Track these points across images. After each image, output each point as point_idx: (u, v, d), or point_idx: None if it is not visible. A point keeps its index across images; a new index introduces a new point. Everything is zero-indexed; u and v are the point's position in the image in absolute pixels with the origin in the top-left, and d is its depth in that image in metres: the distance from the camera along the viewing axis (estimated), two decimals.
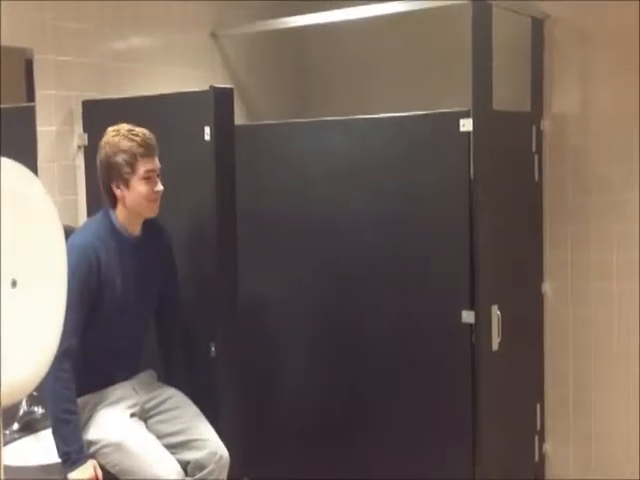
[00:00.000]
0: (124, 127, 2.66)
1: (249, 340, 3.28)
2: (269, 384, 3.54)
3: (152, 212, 2.70)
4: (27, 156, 2.89)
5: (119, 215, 2.69)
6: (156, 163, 2.67)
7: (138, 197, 2.64)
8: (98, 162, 2.68)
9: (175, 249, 2.90)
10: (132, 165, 2.62)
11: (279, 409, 3.53)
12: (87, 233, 2.66)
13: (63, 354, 2.33)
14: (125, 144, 2.62)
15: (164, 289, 2.85)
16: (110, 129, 2.68)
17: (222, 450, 2.68)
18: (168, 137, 2.87)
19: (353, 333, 3.34)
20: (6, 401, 1.61)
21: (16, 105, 2.94)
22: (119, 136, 2.64)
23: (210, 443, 2.67)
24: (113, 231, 2.68)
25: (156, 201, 2.68)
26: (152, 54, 3.51)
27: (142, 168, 2.62)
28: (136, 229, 2.73)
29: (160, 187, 2.67)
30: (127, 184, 2.63)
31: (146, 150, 2.63)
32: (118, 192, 2.65)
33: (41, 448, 2.72)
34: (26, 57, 2.99)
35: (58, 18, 3.08)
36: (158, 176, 2.68)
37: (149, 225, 2.77)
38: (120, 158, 2.61)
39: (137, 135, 2.64)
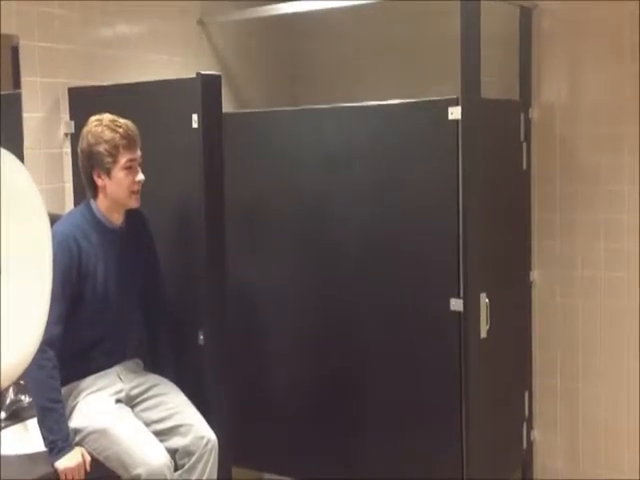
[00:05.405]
0: (107, 117, 2.65)
1: (239, 328, 3.28)
2: (259, 372, 3.53)
3: (134, 203, 2.69)
4: (13, 143, 2.86)
5: (100, 205, 2.68)
6: (137, 153, 2.66)
7: (119, 187, 2.63)
8: (79, 151, 2.67)
9: (162, 238, 2.89)
10: (114, 156, 2.61)
11: (268, 397, 3.53)
12: (67, 223, 2.66)
13: (46, 343, 2.31)
14: (108, 134, 2.61)
15: (148, 278, 2.84)
16: (92, 118, 2.67)
17: (209, 434, 2.67)
18: (155, 125, 2.86)
19: (342, 321, 3.34)
20: None
21: (2, 92, 2.91)
22: (102, 126, 2.62)
23: (195, 427, 2.66)
24: (95, 221, 2.67)
25: (138, 192, 2.67)
26: (139, 41, 3.48)
27: (123, 158, 2.61)
28: (118, 219, 2.72)
29: (141, 176, 2.66)
30: (109, 174, 2.62)
31: (128, 142, 2.63)
32: (99, 181, 2.64)
33: (28, 437, 2.71)
34: (12, 44, 2.96)
35: (44, 4, 3.06)
36: (139, 165, 2.67)
37: (132, 215, 2.77)
38: (102, 148, 2.60)
39: (120, 126, 2.63)
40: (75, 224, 2.65)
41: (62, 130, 3.16)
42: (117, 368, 2.73)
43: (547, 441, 3.74)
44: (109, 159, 2.61)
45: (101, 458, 2.57)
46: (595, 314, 3.60)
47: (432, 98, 3.06)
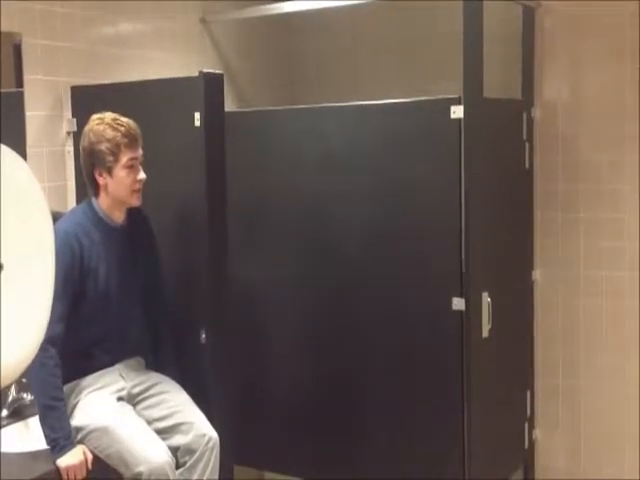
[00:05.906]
0: (109, 116, 2.65)
1: (240, 327, 3.28)
2: (260, 371, 3.53)
3: (136, 202, 2.69)
4: (16, 141, 2.85)
5: (102, 203, 2.68)
6: (139, 152, 2.66)
7: (121, 185, 2.64)
8: (81, 149, 2.68)
9: (164, 236, 2.88)
10: (116, 154, 2.61)
11: (269, 395, 3.53)
12: (69, 221, 2.66)
13: (48, 341, 2.31)
14: (109, 133, 2.61)
15: (150, 277, 2.84)
16: (94, 117, 2.67)
17: (210, 432, 2.67)
18: (157, 123, 2.86)
19: (343, 321, 3.34)
20: None
21: (4, 90, 2.91)
22: (103, 124, 2.63)
23: (197, 425, 2.66)
24: (96, 219, 2.68)
25: (139, 190, 2.67)
26: (141, 39, 3.49)
27: (125, 157, 2.62)
28: (120, 217, 2.72)
29: (143, 175, 2.67)
30: (110, 172, 2.63)
31: (130, 141, 2.63)
32: (101, 180, 2.65)
33: (30, 435, 2.71)
34: (14, 42, 2.96)
35: (46, 3, 3.06)
36: (141, 164, 2.67)
37: (134, 214, 2.77)
38: (104, 146, 2.60)
39: (122, 125, 2.63)
40: (77, 222, 2.65)
41: (64, 128, 3.16)
42: (119, 366, 2.72)
43: (549, 441, 3.74)
44: (111, 158, 2.61)
45: (103, 456, 2.56)
46: (597, 313, 3.60)
47: (434, 97, 3.05)
